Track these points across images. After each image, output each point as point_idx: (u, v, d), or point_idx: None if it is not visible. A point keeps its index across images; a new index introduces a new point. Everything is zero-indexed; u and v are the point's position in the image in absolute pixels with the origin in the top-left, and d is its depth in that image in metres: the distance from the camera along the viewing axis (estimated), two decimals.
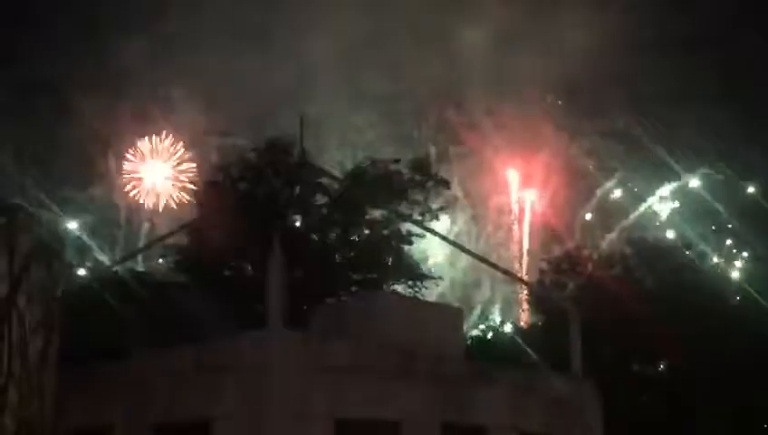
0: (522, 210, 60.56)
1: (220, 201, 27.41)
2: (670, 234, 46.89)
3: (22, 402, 9.87)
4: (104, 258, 39.32)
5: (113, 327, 20.87)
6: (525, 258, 58.83)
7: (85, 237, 43.70)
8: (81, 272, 29.12)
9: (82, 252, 40.42)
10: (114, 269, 28.16)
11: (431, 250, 40.45)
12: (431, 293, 32.28)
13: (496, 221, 60.61)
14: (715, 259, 37.43)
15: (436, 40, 56.90)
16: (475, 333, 35.05)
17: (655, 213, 55.76)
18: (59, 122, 50.91)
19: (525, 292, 41.37)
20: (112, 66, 51.38)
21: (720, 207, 44.20)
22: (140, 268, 31.85)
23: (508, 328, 36.98)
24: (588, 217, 58.22)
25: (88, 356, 17.23)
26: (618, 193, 58.19)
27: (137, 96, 53.17)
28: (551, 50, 58.89)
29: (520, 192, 60.90)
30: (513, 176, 60.43)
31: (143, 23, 53.23)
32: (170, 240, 28.64)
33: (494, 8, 56.37)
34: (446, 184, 31.02)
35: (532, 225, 59.91)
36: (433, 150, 52.65)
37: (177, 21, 53.91)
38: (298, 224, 28.10)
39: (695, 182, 52.62)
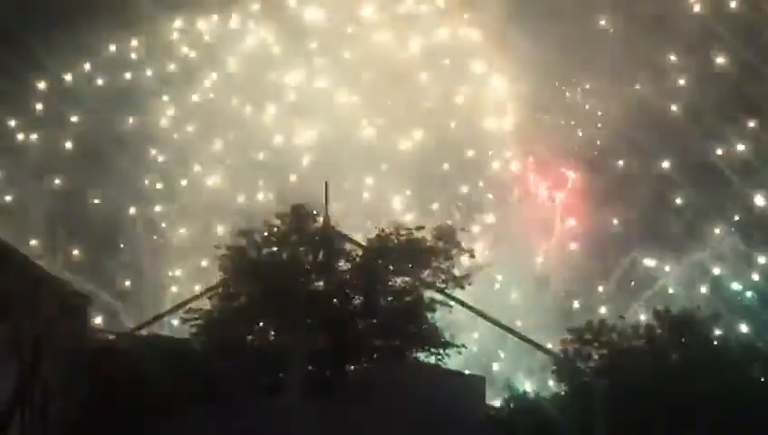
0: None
1: (244, 266, 27.52)
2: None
3: None
4: (129, 322, 39.39)
5: (135, 391, 20.82)
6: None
7: (112, 300, 43.84)
8: (108, 335, 29.18)
9: (110, 314, 40.66)
10: (138, 333, 28.24)
11: (455, 316, 40.21)
12: (454, 359, 32.07)
13: (522, 288, 60.27)
14: (744, 329, 36.97)
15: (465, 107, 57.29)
16: (497, 401, 34.64)
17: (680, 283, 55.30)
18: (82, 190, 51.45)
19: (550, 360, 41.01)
20: (138, 127, 51.94)
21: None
22: (164, 332, 31.89)
23: (531, 396, 36.54)
24: (611, 286, 57.82)
25: (111, 420, 17.20)
26: (642, 262, 57.86)
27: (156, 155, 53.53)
28: (577, 121, 59.05)
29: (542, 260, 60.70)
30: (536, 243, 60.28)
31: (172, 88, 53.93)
32: (193, 304, 28.71)
33: (520, 73, 56.78)
34: (469, 253, 31.02)
35: (553, 296, 59.54)
36: (457, 218, 52.69)
37: (199, 86, 54.61)
38: (321, 290, 28.09)
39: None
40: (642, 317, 40.78)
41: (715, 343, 33.21)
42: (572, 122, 52.84)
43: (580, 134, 53.93)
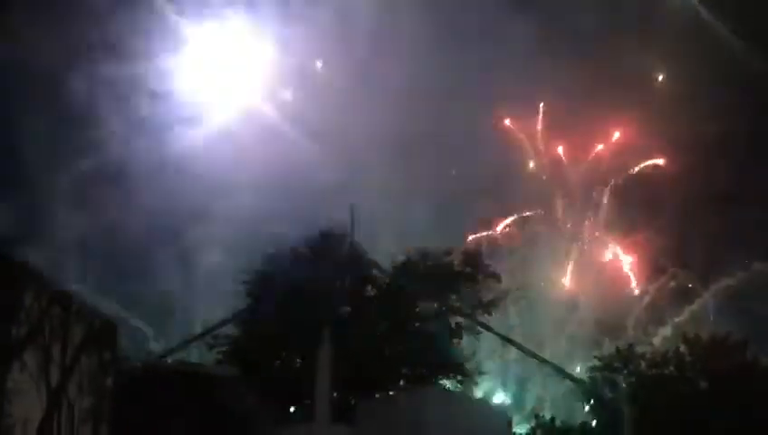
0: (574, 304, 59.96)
1: (270, 292, 27.51)
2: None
3: None
4: (158, 347, 39.46)
5: (162, 419, 20.81)
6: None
7: (142, 326, 44.00)
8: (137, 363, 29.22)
9: (139, 341, 40.73)
10: (165, 359, 28.24)
11: (482, 343, 40.05)
12: (481, 387, 31.89)
13: (549, 313, 59.96)
14: None
15: (488, 134, 57.35)
16: (524, 430, 34.35)
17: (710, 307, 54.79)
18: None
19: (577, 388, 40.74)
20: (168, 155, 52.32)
21: None
22: (192, 358, 31.87)
23: (558, 424, 36.22)
24: (639, 311, 57.38)
25: None
26: (671, 285, 57.40)
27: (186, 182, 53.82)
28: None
29: (570, 286, 60.42)
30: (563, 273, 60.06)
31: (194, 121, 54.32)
32: (221, 330, 28.71)
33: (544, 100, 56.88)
34: (496, 278, 30.90)
35: (581, 322, 59.21)
36: (485, 242, 52.61)
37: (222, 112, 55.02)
38: (348, 316, 28.02)
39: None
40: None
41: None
42: None
43: None
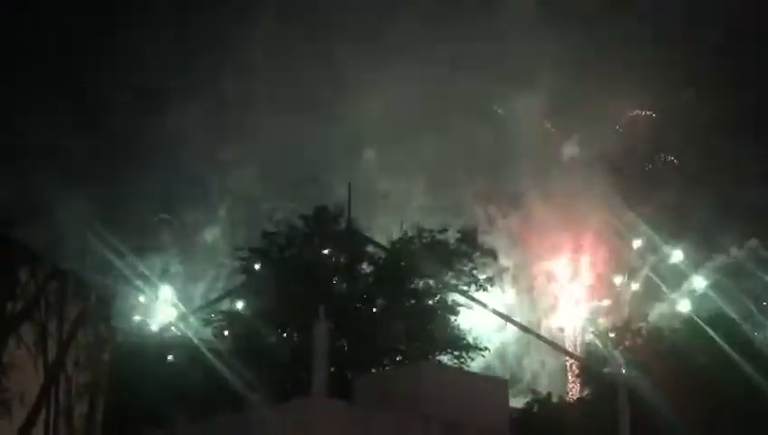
0: (570, 278, 60.12)
1: (267, 268, 27.54)
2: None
3: None
4: (155, 322, 39.58)
5: (158, 393, 20.92)
6: (574, 328, 58.20)
7: (139, 300, 44.09)
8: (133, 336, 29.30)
9: (136, 315, 40.81)
10: (161, 335, 28.33)
11: (478, 319, 40.13)
12: (477, 363, 31.96)
13: (544, 289, 60.11)
14: None
15: (487, 108, 57.40)
16: (520, 404, 34.50)
17: (706, 284, 54.94)
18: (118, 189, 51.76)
19: (573, 364, 40.91)
20: (166, 130, 52.23)
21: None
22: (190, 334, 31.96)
23: (555, 400, 36.37)
24: (635, 286, 57.52)
25: (132, 421, 17.28)
26: (669, 261, 57.53)
27: (189, 160, 53.80)
28: (599, 121, 58.99)
29: (568, 260, 60.54)
30: (561, 244, 60.18)
31: (198, 88, 54.17)
32: (218, 306, 28.79)
33: (545, 78, 56.78)
34: (492, 255, 30.91)
35: (578, 297, 59.41)
36: (481, 219, 52.70)
37: (231, 85, 54.89)
38: (344, 292, 28.06)
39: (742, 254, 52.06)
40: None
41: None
42: None
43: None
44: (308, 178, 49.63)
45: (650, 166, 58.31)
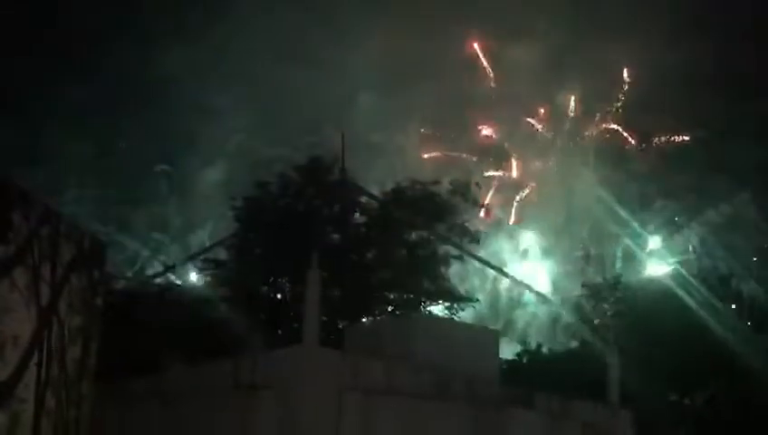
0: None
1: (259, 217, 27.58)
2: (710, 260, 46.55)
3: (59, 410, 10.01)
4: (150, 268, 39.78)
5: (149, 339, 21.04)
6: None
7: (135, 247, 44.29)
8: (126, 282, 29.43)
9: (132, 262, 40.95)
10: (154, 281, 28.40)
11: (471, 271, 40.40)
12: (469, 315, 32.20)
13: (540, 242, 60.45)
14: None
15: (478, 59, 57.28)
16: (510, 356, 34.83)
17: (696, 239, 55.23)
18: (106, 135, 51.70)
19: (563, 316, 41.27)
20: (157, 76, 52.04)
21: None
22: (181, 281, 32.12)
23: (545, 352, 36.72)
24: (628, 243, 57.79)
25: (124, 367, 17.39)
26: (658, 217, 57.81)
27: (181, 107, 53.65)
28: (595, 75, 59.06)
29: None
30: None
31: (192, 34, 53.93)
32: (209, 254, 28.85)
33: (541, 28, 56.80)
34: (485, 208, 31.00)
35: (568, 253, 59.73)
36: (476, 172, 52.76)
37: (221, 33, 54.65)
38: (336, 242, 28.15)
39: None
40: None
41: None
42: None
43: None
44: (308, 129, 49.63)
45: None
